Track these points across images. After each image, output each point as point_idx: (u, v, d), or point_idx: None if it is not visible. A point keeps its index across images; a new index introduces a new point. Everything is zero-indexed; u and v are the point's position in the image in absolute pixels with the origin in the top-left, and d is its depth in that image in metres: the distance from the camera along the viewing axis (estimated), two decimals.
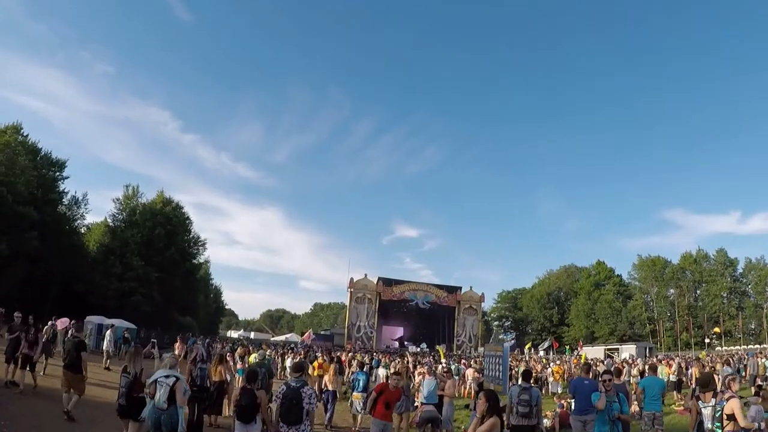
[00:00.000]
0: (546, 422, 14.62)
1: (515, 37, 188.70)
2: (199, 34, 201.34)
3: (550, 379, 25.90)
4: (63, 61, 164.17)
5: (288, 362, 26.95)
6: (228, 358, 14.90)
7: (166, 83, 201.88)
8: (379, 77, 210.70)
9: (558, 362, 38.53)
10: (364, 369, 17.50)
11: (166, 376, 7.92)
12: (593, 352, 62.98)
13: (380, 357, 36.97)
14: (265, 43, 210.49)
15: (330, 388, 16.29)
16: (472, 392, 19.27)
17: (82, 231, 63.09)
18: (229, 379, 13.47)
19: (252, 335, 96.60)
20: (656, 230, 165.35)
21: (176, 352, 15.81)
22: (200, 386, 11.52)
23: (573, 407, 11.28)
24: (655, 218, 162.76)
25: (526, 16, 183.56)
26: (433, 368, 19.88)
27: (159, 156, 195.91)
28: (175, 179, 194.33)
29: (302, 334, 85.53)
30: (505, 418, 8.93)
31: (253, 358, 20.02)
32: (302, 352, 34.47)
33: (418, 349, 63.53)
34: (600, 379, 9.60)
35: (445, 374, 16.25)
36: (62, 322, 24.72)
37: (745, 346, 67.24)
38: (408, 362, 26.81)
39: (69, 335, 16.95)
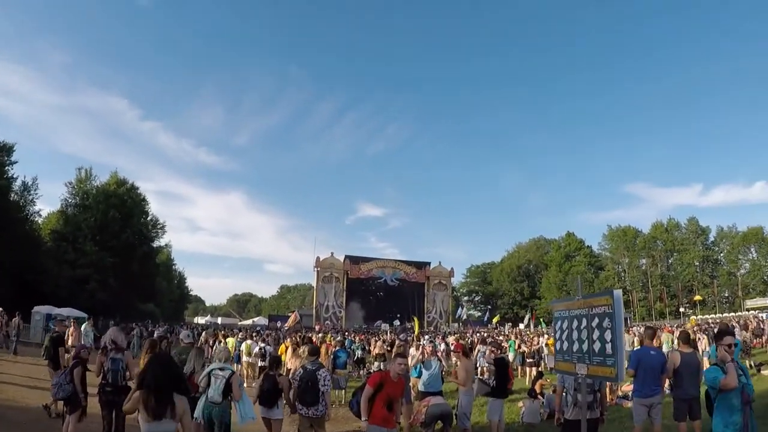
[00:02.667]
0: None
1: (466, 10, 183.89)
2: (156, 17, 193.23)
3: (545, 352, 24.31)
4: (18, 53, 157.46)
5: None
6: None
7: (126, 70, 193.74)
8: (339, 56, 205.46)
9: (549, 334, 37.32)
10: (345, 347, 17.77)
11: (221, 369, 7.88)
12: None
13: (353, 337, 35.39)
14: (225, 24, 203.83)
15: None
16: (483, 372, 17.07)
17: (35, 218, 59.76)
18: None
19: (219, 320, 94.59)
20: (620, 204, 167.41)
21: (68, 340, 14.43)
22: (115, 385, 8.23)
23: (633, 388, 8.98)
24: (618, 192, 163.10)
25: None
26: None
27: (119, 145, 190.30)
28: (136, 168, 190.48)
29: (269, 318, 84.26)
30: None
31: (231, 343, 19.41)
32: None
33: (391, 327, 62.20)
34: (719, 344, 6.17)
35: (454, 353, 14.18)
36: None
37: (721, 315, 67.28)
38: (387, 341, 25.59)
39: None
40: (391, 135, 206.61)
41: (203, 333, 27.43)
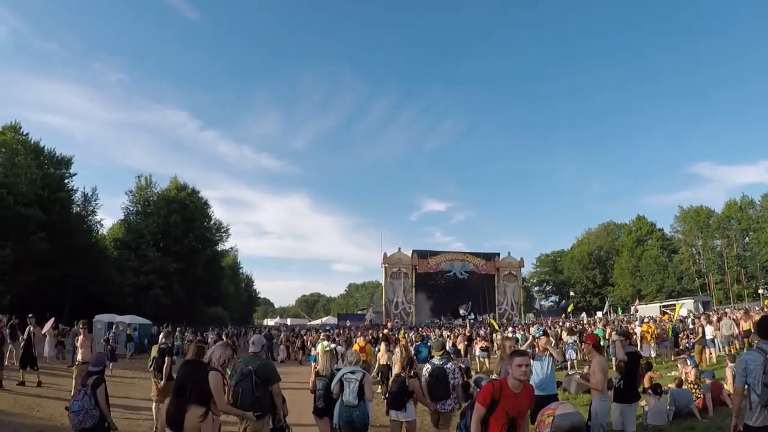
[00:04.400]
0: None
1: (521, 2, 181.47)
2: (207, 31, 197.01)
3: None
4: (77, 74, 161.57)
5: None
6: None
7: (181, 84, 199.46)
8: (390, 55, 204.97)
9: (647, 320, 34.40)
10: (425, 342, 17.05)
11: (352, 372, 7.76)
12: (648, 310, 58.94)
13: (426, 332, 33.31)
14: (274, 31, 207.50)
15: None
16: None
17: (97, 228, 59.86)
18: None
19: (288, 321, 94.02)
20: (686, 185, 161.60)
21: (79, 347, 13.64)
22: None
23: None
24: (683, 173, 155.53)
25: None
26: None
27: (181, 156, 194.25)
28: (199, 177, 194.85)
29: (338, 317, 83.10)
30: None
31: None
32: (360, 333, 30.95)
33: (462, 320, 59.97)
34: None
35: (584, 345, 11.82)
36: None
37: None
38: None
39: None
40: (447, 130, 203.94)
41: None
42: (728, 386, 11.51)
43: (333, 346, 18.39)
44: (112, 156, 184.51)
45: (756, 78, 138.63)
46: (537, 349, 9.89)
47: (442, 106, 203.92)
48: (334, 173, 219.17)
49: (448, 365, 8.42)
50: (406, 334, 32.79)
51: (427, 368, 8.51)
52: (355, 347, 18.03)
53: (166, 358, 11.37)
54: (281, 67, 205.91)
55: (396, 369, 9.49)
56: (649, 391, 10.73)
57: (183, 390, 4.46)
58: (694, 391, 11.59)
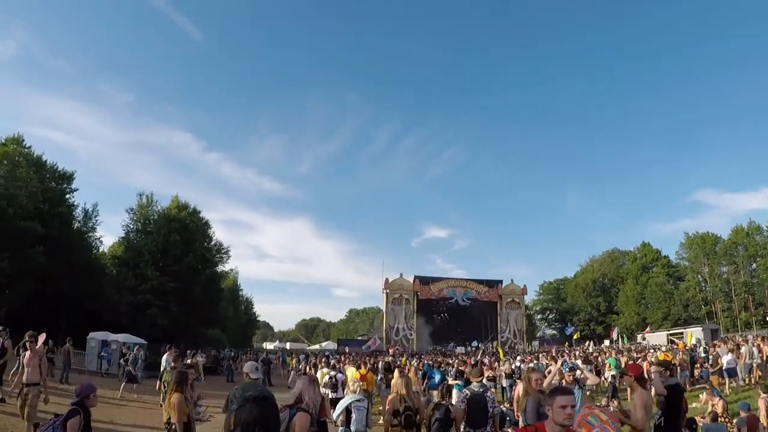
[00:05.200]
0: None
1: (529, 33, 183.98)
2: (213, 53, 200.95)
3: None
4: (83, 92, 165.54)
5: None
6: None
7: (186, 105, 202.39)
8: (395, 83, 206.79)
9: (663, 349, 33.49)
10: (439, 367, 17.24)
11: (359, 401, 7.96)
12: (655, 339, 58.05)
13: (428, 360, 32.25)
14: (280, 54, 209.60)
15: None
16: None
17: (96, 245, 59.14)
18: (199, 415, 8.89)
19: (288, 345, 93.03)
20: (689, 212, 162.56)
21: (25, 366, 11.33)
22: None
23: None
24: (685, 201, 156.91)
25: (541, 11, 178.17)
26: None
27: (185, 177, 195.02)
28: (202, 198, 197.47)
29: (338, 342, 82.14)
30: None
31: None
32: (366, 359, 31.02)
33: (466, 350, 59.19)
34: None
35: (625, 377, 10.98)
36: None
37: None
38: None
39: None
40: (449, 158, 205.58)
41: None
42: (763, 419, 10.77)
43: (333, 373, 17.63)
44: (115, 175, 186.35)
45: (759, 107, 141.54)
46: (563, 382, 9.10)
47: (444, 134, 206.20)
48: (337, 198, 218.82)
49: (488, 393, 8.23)
50: (408, 361, 31.99)
51: (465, 394, 8.31)
52: (356, 375, 17.36)
53: None
54: (287, 90, 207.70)
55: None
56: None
57: (252, 428, 3.63)
58: (726, 424, 10.77)
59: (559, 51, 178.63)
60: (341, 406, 7.98)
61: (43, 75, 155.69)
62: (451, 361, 29.16)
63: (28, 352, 11.31)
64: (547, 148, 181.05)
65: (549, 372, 11.36)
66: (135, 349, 26.71)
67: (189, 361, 18.95)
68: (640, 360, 25.26)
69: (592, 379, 9.57)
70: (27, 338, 12.48)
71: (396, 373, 15.14)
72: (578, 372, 11.61)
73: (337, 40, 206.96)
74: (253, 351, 60.83)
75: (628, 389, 7.87)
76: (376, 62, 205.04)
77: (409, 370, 17.59)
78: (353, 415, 7.65)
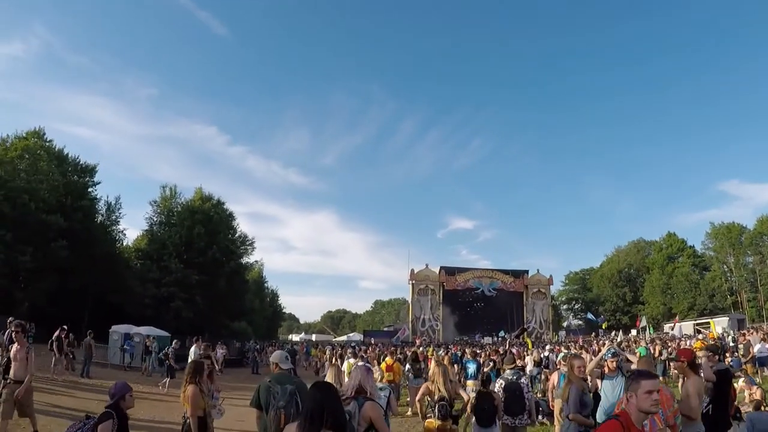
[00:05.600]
0: None
1: (555, 24, 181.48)
2: (237, 47, 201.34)
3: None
4: (107, 88, 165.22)
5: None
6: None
7: (210, 99, 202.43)
8: (420, 74, 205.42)
9: (700, 337, 32.39)
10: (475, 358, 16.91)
11: (381, 389, 7.59)
12: (682, 329, 56.67)
13: (456, 350, 31.53)
14: (303, 48, 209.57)
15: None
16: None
17: (119, 237, 58.94)
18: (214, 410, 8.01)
19: (313, 337, 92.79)
20: (714, 203, 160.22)
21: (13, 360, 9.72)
22: None
23: None
24: (710, 191, 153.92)
25: (568, 3, 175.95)
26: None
27: (209, 171, 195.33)
28: (227, 191, 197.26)
29: (364, 333, 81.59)
30: None
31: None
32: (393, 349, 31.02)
33: (493, 340, 58.30)
34: None
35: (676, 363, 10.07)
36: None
37: None
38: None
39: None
40: (475, 149, 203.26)
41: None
42: None
43: (361, 363, 16.83)
44: (139, 169, 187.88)
45: None
46: (606, 368, 8.20)
47: (471, 125, 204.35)
48: (361, 190, 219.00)
49: (522, 380, 8.38)
50: (435, 351, 31.30)
51: (500, 383, 8.49)
52: (383, 365, 17.04)
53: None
54: (311, 83, 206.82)
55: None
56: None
57: (318, 416, 3.51)
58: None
59: (584, 43, 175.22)
60: None
61: (66, 72, 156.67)
62: (479, 351, 28.29)
63: (15, 345, 10.10)
64: (573, 139, 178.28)
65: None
66: (174, 342, 26.03)
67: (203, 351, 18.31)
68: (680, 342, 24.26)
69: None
70: (12, 328, 11.58)
71: (433, 362, 14.39)
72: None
73: (361, 34, 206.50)
74: (278, 342, 60.41)
75: (680, 377, 7.14)
76: (400, 55, 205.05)
77: (444, 358, 16.88)
78: None
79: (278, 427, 5.42)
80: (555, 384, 9.87)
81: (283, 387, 5.80)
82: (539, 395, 15.12)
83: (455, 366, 21.30)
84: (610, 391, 7.47)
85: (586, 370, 7.81)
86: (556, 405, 9.37)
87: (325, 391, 3.81)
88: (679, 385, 7.28)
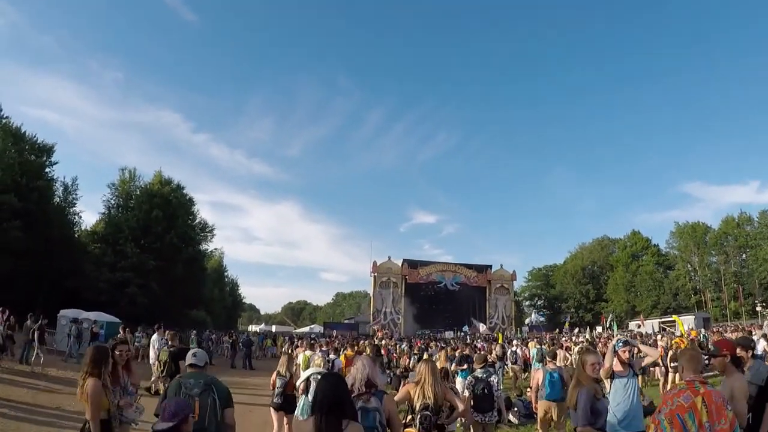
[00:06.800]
0: None
1: (520, 21, 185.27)
2: (204, 34, 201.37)
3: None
4: (71, 70, 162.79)
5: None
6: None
7: (176, 86, 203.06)
8: (386, 66, 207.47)
9: (680, 335, 32.34)
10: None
11: (320, 374, 7.90)
12: (646, 327, 57.18)
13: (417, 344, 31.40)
14: (271, 37, 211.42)
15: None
16: None
17: (75, 220, 57.50)
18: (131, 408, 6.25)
19: (273, 328, 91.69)
20: (676, 204, 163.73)
21: None
22: None
23: None
24: (674, 192, 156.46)
25: (529, 2, 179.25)
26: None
27: (173, 158, 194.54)
28: (190, 179, 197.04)
29: (324, 326, 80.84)
30: None
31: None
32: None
33: (456, 334, 58.20)
34: None
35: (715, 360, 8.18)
36: None
37: None
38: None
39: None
40: (440, 143, 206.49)
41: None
42: None
43: (332, 357, 17.12)
44: (103, 154, 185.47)
45: (747, 102, 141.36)
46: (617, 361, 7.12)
47: (436, 118, 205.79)
48: (326, 181, 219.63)
49: (492, 378, 8.56)
50: (397, 345, 31.13)
51: (470, 381, 8.64)
52: (342, 357, 16.93)
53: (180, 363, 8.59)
54: (277, 72, 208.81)
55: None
56: None
57: (336, 405, 3.59)
58: None
59: (550, 40, 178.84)
60: (304, 375, 8.49)
61: (30, 53, 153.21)
62: (443, 345, 27.86)
63: None
64: (538, 136, 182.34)
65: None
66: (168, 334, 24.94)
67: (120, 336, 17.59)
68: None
69: (652, 354, 8.00)
70: None
71: (424, 359, 13.65)
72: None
73: (328, 23, 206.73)
74: (236, 333, 59.61)
75: (724, 374, 5.52)
76: (366, 45, 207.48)
77: (439, 357, 14.95)
78: (312, 385, 7.78)
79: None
80: (540, 383, 8.95)
81: (197, 380, 5.32)
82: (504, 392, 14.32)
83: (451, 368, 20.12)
84: (621, 393, 6.39)
85: (602, 369, 6.46)
86: (540, 407, 8.75)
87: (329, 379, 3.94)
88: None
